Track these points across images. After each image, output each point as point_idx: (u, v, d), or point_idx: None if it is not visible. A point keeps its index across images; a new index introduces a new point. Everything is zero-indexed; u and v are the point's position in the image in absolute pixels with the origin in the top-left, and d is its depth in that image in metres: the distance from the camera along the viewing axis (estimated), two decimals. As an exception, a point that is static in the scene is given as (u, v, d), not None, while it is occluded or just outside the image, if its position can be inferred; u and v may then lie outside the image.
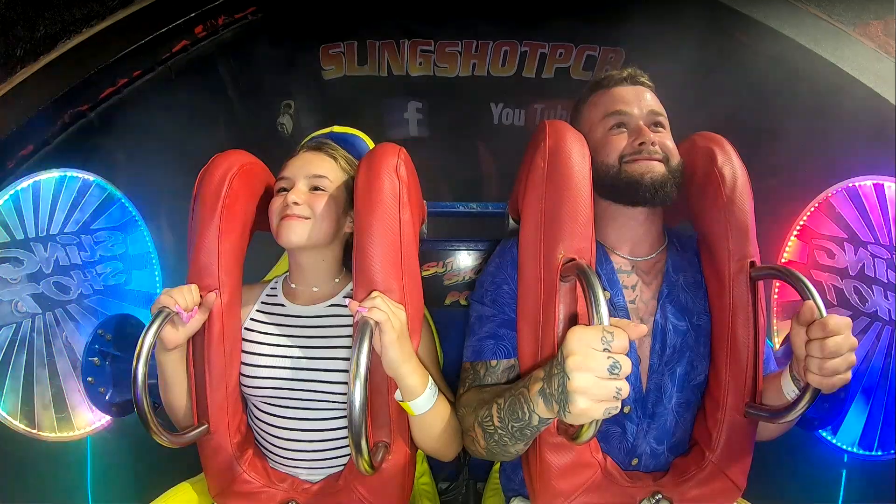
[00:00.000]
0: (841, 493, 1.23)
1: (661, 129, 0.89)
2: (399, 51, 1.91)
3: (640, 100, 0.89)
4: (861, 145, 1.33)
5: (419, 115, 2.08)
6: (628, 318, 0.85)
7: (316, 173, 0.91)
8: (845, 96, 1.37)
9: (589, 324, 0.61)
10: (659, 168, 0.84)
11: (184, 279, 0.88)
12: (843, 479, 1.23)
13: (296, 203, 0.88)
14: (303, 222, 0.88)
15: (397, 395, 0.80)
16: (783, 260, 1.34)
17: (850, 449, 1.23)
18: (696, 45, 1.54)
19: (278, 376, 0.90)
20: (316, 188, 0.91)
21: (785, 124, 1.50)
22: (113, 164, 1.50)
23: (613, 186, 0.86)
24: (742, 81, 1.59)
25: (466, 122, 2.09)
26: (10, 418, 1.22)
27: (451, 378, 0.94)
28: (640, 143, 0.85)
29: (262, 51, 1.78)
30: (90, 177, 1.32)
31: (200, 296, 0.84)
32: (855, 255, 1.25)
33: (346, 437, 0.91)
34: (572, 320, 0.76)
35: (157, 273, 1.43)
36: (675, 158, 0.87)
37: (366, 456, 0.69)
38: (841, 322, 0.67)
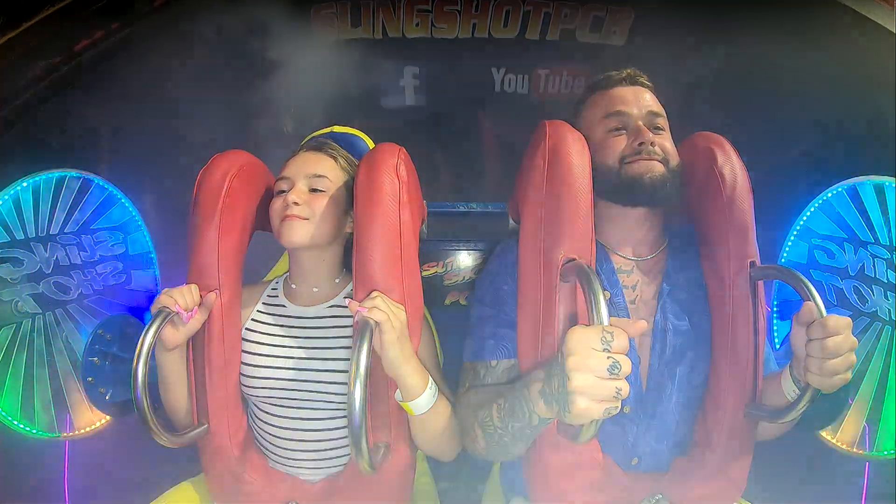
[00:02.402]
0: (865, 492, 1.23)
1: (660, 130, 0.89)
2: (395, 10, 1.80)
3: (639, 100, 0.89)
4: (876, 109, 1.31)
5: (416, 82, 1.95)
6: (629, 318, 0.85)
7: (316, 173, 0.91)
8: (864, 52, 1.33)
9: (589, 324, 0.61)
10: (659, 168, 0.84)
11: (184, 279, 0.89)
12: (867, 478, 1.22)
13: (296, 203, 0.88)
14: (303, 222, 0.88)
15: (397, 396, 0.80)
16: (783, 260, 1.34)
17: (849, 449, 1.23)
18: (709, 4, 1.46)
19: (279, 377, 0.90)
20: (316, 188, 0.91)
21: (799, 85, 1.46)
22: (86, 123, 1.43)
23: (614, 188, 0.86)
24: (758, 41, 1.52)
25: (467, 89, 1.96)
26: (9, 418, 1.22)
27: (451, 378, 0.94)
28: (640, 144, 0.85)
29: (249, 10, 1.66)
30: (90, 177, 1.32)
31: (200, 296, 0.84)
32: (855, 255, 1.25)
33: (347, 437, 0.91)
34: (572, 320, 0.76)
35: (156, 273, 1.43)
36: (675, 160, 0.87)
37: (366, 456, 0.69)
38: (841, 322, 0.67)
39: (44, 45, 1.33)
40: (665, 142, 0.87)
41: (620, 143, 0.87)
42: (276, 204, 0.90)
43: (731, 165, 0.85)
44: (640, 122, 0.87)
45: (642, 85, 0.92)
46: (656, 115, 0.89)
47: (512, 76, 1.95)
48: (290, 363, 0.90)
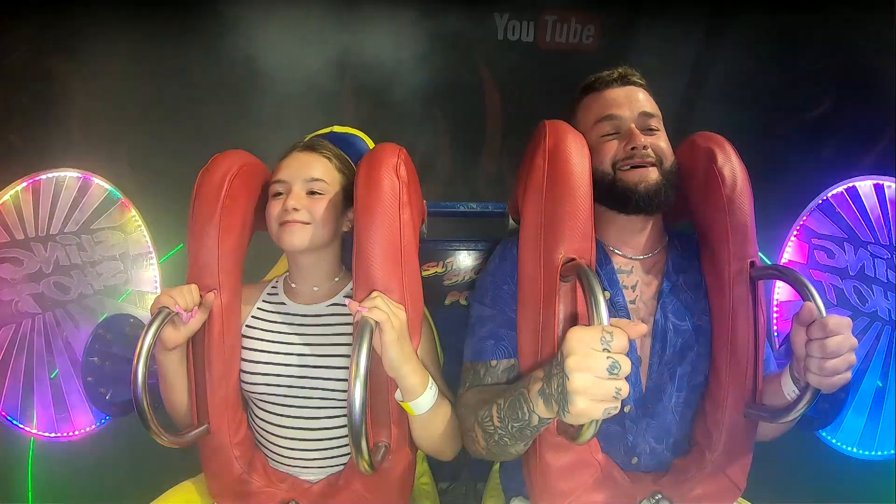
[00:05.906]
0: None
1: (654, 131, 0.88)
2: None
3: (631, 101, 0.89)
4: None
5: (412, 29, 1.82)
6: (629, 318, 0.85)
7: (313, 177, 0.91)
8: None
9: (589, 324, 0.61)
10: (653, 175, 0.84)
11: (184, 279, 0.88)
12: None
13: (295, 209, 0.88)
14: (304, 226, 0.88)
15: (397, 396, 0.80)
16: (783, 260, 1.34)
17: (850, 449, 1.23)
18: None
19: (279, 374, 0.90)
20: (313, 192, 0.91)
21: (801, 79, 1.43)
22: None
23: (609, 194, 0.86)
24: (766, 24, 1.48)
25: (466, 37, 1.83)
26: (9, 418, 1.22)
27: (451, 378, 0.94)
28: (632, 148, 0.84)
29: None
30: (90, 176, 1.32)
31: (200, 295, 0.84)
32: (855, 255, 1.25)
33: (347, 437, 0.91)
34: (572, 320, 0.76)
35: (156, 273, 1.43)
36: (669, 160, 0.87)
37: (366, 456, 0.69)
38: (841, 322, 0.67)
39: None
40: (659, 142, 0.87)
41: (613, 147, 0.86)
42: (275, 209, 0.90)
43: (731, 165, 0.85)
44: (633, 125, 0.86)
45: (635, 84, 0.91)
46: (649, 115, 0.88)
47: (516, 22, 1.81)
48: (290, 361, 0.90)
